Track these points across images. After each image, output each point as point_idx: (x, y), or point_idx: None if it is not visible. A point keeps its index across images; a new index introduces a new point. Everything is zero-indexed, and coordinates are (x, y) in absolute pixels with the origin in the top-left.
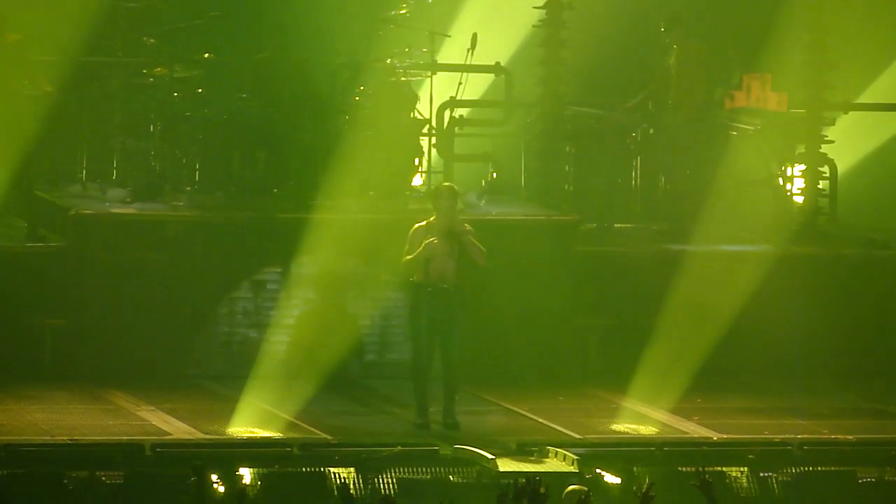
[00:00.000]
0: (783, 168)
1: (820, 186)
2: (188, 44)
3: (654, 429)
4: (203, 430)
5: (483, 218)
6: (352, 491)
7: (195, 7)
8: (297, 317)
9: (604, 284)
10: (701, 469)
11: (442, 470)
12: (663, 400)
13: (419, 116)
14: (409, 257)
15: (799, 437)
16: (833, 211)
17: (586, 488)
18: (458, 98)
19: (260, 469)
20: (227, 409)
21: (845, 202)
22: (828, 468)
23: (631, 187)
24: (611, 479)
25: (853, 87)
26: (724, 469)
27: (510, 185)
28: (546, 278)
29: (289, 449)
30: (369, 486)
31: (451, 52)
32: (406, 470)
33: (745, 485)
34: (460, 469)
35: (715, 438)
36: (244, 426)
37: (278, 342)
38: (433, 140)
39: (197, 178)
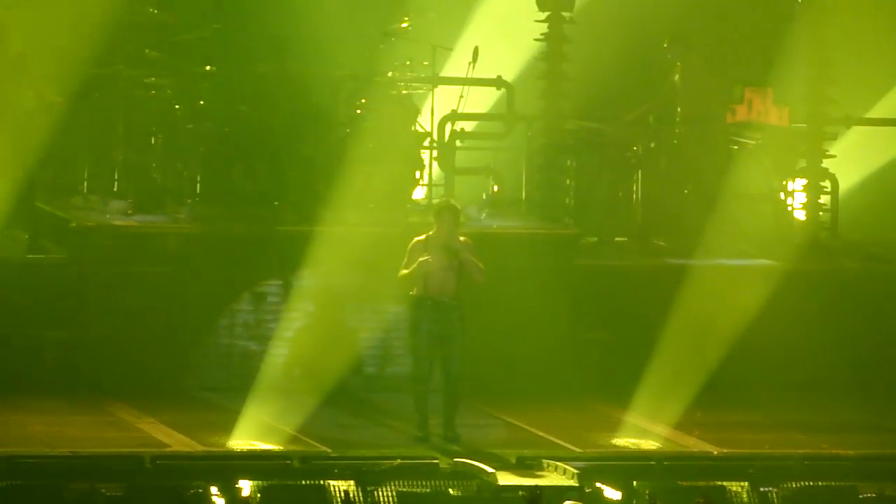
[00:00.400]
0: (784, 182)
1: (821, 201)
2: (190, 56)
3: (654, 443)
4: (203, 442)
5: (484, 231)
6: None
7: (197, 20)
8: (298, 329)
9: (604, 298)
10: (704, 491)
11: (442, 483)
12: (664, 414)
13: (420, 129)
14: (404, 272)
15: (800, 451)
16: (834, 225)
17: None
18: (459, 111)
19: (260, 481)
20: (227, 422)
21: (846, 217)
22: (828, 483)
23: (632, 201)
24: (611, 493)
25: (860, 103)
26: (725, 484)
27: (511, 199)
28: (546, 292)
29: (289, 461)
30: (369, 499)
31: (452, 65)
32: (406, 483)
33: (746, 499)
34: (460, 482)
35: (715, 453)
36: (244, 438)
37: (278, 355)
38: (434, 153)
39: (198, 191)
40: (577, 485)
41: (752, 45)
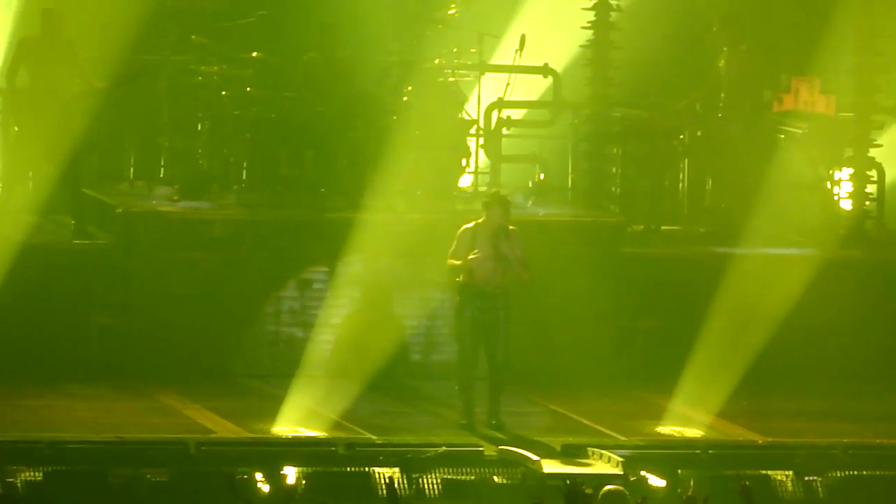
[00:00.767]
0: (831, 172)
1: (868, 190)
2: (237, 42)
3: (699, 431)
4: (248, 428)
5: (530, 219)
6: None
7: (244, 6)
8: (344, 316)
9: (650, 286)
10: (740, 474)
11: (486, 471)
12: (708, 402)
13: (467, 117)
14: (452, 261)
15: (844, 440)
16: (880, 215)
17: (623, 489)
18: (505, 99)
19: (305, 468)
20: (272, 408)
21: (893, 206)
22: (873, 472)
23: (678, 189)
24: (655, 481)
25: None
26: (769, 472)
27: (557, 187)
28: (592, 280)
29: (334, 448)
30: (413, 487)
31: (499, 53)
32: (450, 470)
33: (790, 488)
34: (505, 470)
35: (760, 441)
36: (289, 425)
37: (324, 341)
38: (481, 141)
39: (244, 177)
40: (621, 473)
41: (799, 34)
